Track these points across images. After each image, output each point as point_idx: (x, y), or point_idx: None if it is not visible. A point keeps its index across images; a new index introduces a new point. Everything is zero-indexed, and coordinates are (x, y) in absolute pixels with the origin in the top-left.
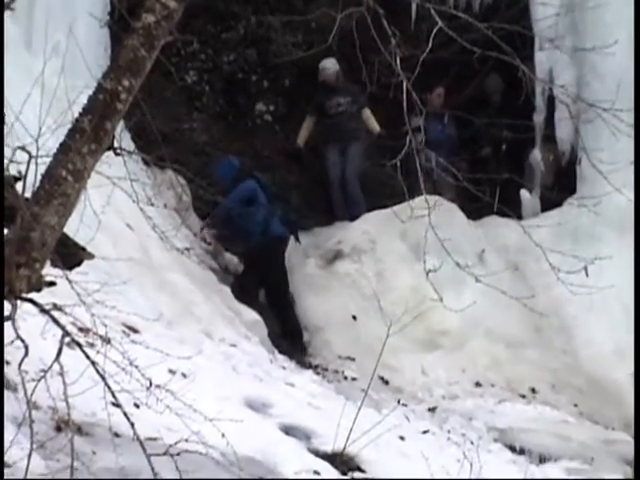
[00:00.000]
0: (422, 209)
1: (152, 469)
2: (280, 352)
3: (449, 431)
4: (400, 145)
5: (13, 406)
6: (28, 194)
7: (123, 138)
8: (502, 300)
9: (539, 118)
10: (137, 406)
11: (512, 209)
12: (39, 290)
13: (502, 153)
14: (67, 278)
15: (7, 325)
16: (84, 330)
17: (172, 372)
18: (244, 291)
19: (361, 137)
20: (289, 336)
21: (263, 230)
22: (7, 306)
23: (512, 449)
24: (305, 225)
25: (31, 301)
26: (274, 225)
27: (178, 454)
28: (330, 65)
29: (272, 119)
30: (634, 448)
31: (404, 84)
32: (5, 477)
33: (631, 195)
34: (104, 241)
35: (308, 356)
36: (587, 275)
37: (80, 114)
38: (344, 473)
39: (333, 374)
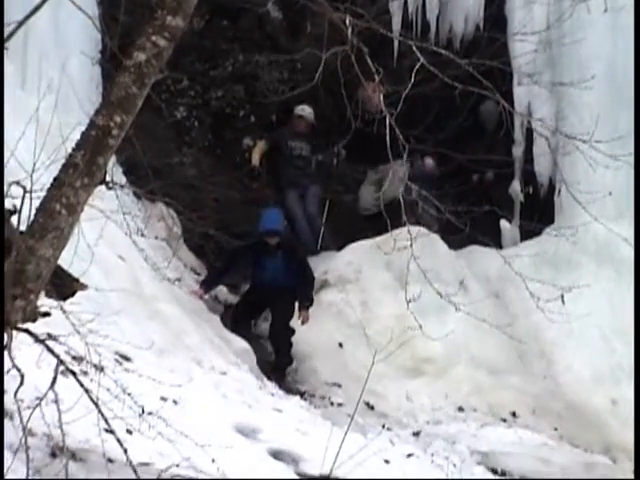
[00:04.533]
0: (405, 240)
1: None
2: (269, 379)
3: (433, 455)
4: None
5: (9, 433)
6: (23, 227)
7: (115, 172)
8: (484, 327)
9: (518, 151)
10: (130, 432)
11: (492, 239)
12: (34, 320)
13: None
14: (61, 309)
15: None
16: (78, 359)
17: (164, 399)
18: (238, 321)
19: (318, 181)
20: (277, 367)
21: None
22: (4, 336)
23: (494, 472)
24: None
25: (26, 331)
26: None
27: (170, 479)
28: (307, 112)
29: None
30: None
31: (387, 119)
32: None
33: (609, 224)
34: (97, 272)
35: (295, 382)
36: (564, 303)
37: (73, 150)
38: None
39: (320, 400)
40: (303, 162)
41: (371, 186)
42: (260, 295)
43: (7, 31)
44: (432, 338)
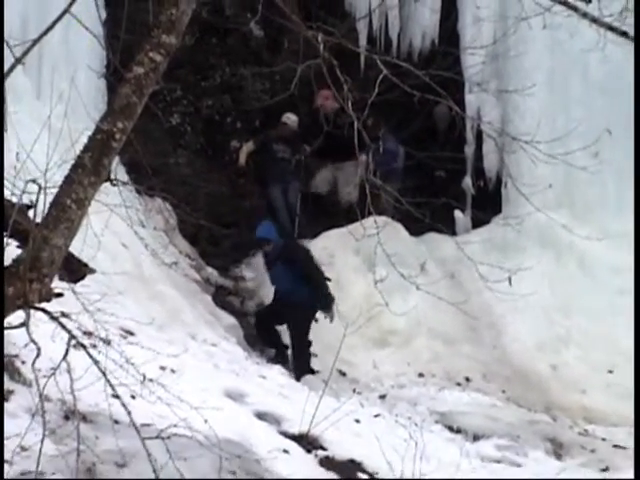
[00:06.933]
0: (373, 228)
1: (146, 450)
2: (254, 351)
3: (397, 415)
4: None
5: (28, 399)
6: (38, 220)
7: (118, 171)
8: (441, 304)
9: (469, 150)
10: (133, 397)
11: (448, 227)
12: (49, 300)
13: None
14: (72, 290)
15: (22, 330)
16: (87, 334)
17: (163, 368)
18: (262, 328)
19: (297, 178)
20: (295, 373)
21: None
22: (22, 314)
23: (451, 429)
24: None
25: (42, 310)
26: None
27: (168, 437)
28: (292, 120)
29: None
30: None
31: (355, 124)
32: (21, 461)
33: (549, 213)
34: (103, 258)
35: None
36: (510, 284)
37: (81, 151)
38: (309, 451)
39: None
40: (285, 162)
41: (327, 173)
42: (278, 303)
43: (24, 49)
44: (396, 314)
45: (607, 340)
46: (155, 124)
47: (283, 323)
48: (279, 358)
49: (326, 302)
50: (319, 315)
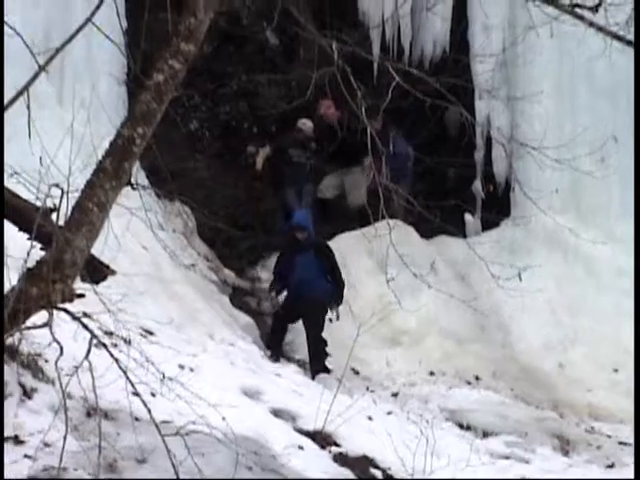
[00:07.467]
0: (384, 230)
1: (166, 446)
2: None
3: (409, 412)
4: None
5: (51, 396)
6: (61, 223)
7: (139, 175)
8: (451, 304)
9: (479, 155)
10: (153, 395)
11: (458, 229)
12: (71, 301)
13: (450, 184)
14: (94, 291)
15: (45, 330)
16: (108, 333)
17: (181, 367)
18: (276, 325)
19: (310, 180)
20: (312, 372)
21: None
22: (45, 314)
23: (460, 426)
24: None
25: (65, 310)
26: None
27: (187, 434)
28: (307, 126)
29: None
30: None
31: (368, 129)
32: (44, 456)
33: (555, 216)
34: (124, 260)
35: (292, 352)
36: (521, 279)
37: (103, 156)
38: (323, 447)
39: None
40: (300, 166)
41: (334, 178)
42: (294, 298)
43: (47, 57)
44: (409, 311)
45: (612, 340)
46: (174, 130)
47: (299, 318)
48: (272, 356)
49: (340, 301)
50: (331, 315)
